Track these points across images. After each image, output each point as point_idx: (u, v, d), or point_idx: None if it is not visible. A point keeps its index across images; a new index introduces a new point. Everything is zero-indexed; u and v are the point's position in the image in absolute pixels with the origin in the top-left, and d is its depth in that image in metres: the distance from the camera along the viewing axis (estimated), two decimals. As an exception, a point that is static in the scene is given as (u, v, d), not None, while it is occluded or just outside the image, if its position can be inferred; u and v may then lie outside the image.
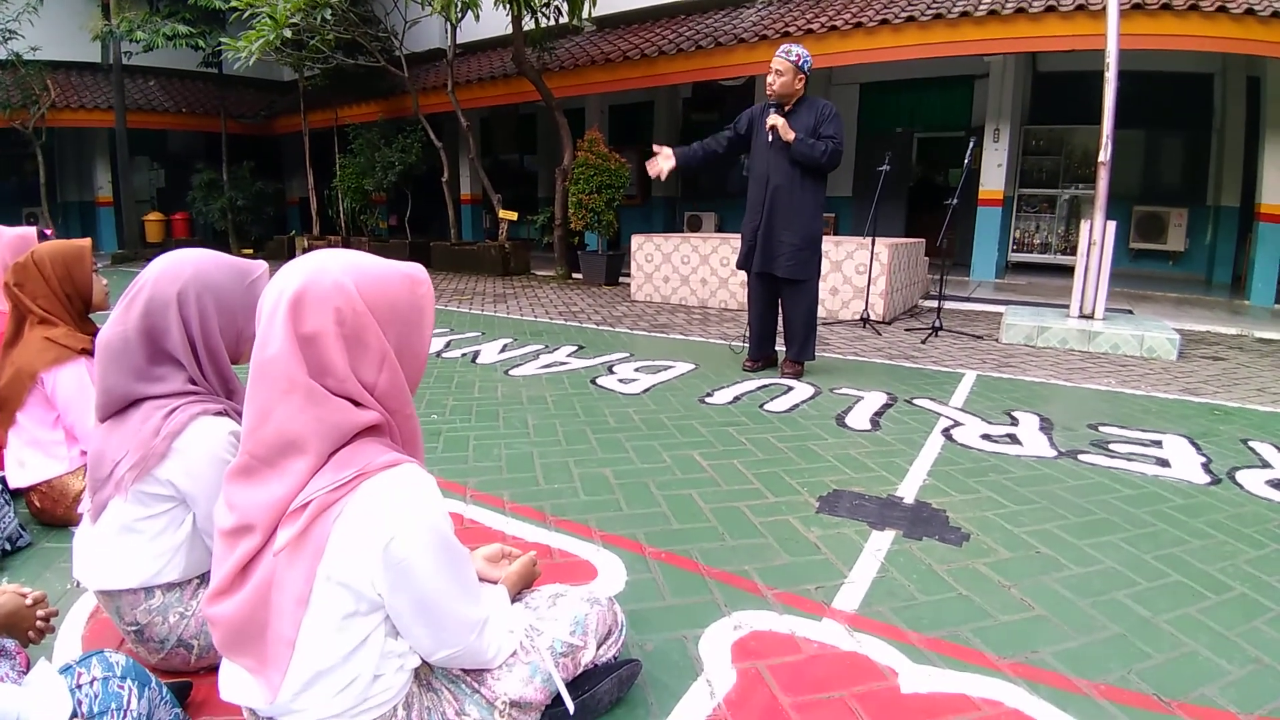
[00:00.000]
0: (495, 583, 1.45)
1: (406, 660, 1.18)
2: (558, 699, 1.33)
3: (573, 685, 1.38)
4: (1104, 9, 6.06)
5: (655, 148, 4.55)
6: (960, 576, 2.14)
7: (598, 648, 1.44)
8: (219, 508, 1.14)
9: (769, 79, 4.37)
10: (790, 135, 4.27)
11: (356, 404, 1.10)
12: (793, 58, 4.29)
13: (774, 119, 4.33)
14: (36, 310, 2.27)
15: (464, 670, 1.27)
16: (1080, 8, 7.54)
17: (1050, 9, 7.71)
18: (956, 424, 3.67)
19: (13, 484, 2.32)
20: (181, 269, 1.51)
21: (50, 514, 2.33)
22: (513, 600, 1.45)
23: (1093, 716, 1.54)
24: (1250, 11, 6.89)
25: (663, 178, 4.55)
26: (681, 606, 1.96)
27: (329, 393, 1.07)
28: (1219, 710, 1.57)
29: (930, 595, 2.04)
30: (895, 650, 1.77)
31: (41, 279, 2.26)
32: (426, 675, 1.25)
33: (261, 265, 1.63)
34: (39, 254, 2.25)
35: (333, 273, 1.08)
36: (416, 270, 1.17)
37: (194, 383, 1.54)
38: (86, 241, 2.37)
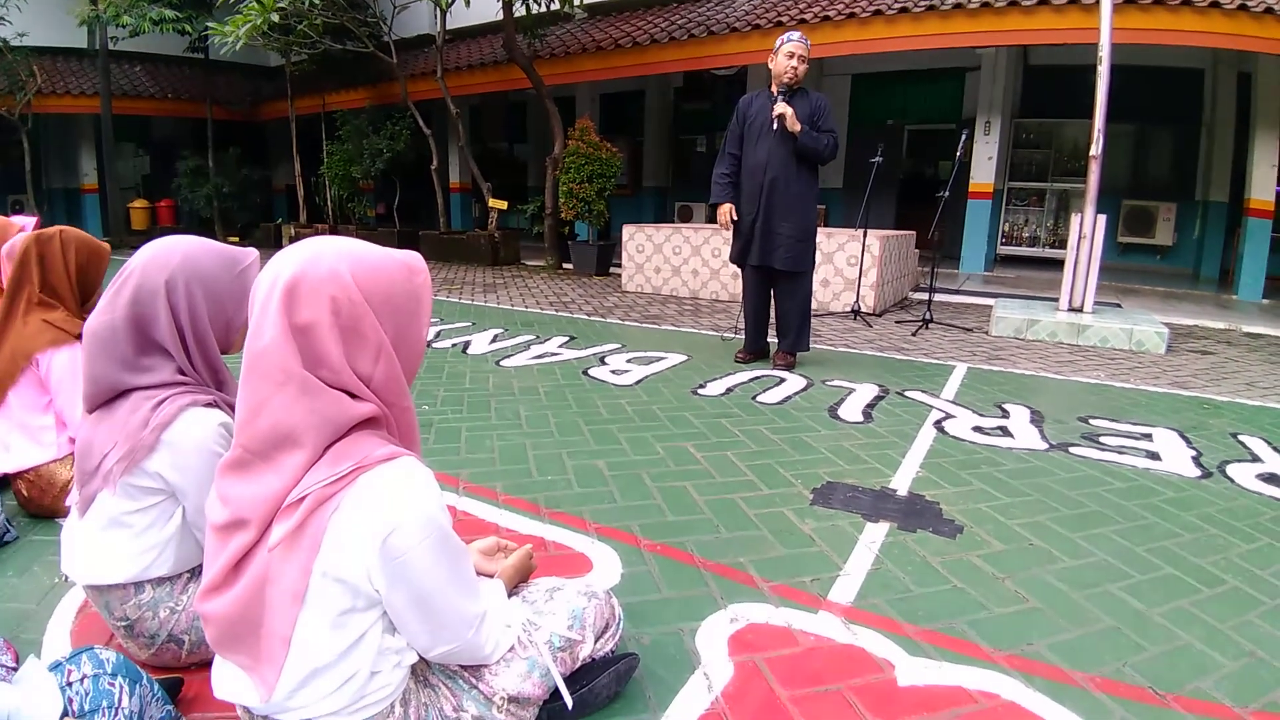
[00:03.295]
0: (491, 576, 1.43)
1: (404, 657, 1.16)
2: (556, 694, 1.32)
3: (571, 680, 1.37)
4: (1097, 3, 6.05)
5: (720, 214, 4.60)
6: (955, 569, 2.15)
7: (595, 641, 1.43)
8: (211, 502, 1.11)
9: (793, 63, 4.27)
10: (798, 126, 4.24)
11: (353, 396, 1.07)
12: (809, 44, 4.34)
13: (782, 107, 4.26)
14: (40, 284, 2.26)
15: (461, 666, 1.25)
16: (1073, 2, 7.53)
17: (1043, 2, 7.70)
18: (948, 416, 3.68)
19: None
20: (170, 257, 1.47)
21: (38, 504, 2.30)
22: (509, 594, 1.43)
23: (1089, 709, 1.55)
24: (1243, 7, 6.91)
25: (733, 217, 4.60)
26: (678, 599, 1.95)
27: (324, 385, 1.05)
28: (1214, 704, 1.58)
29: (925, 588, 2.04)
30: (891, 643, 1.77)
31: (62, 256, 2.27)
32: (423, 671, 1.24)
33: (252, 253, 1.59)
34: (69, 234, 2.29)
35: (328, 261, 1.05)
36: (414, 259, 1.15)
37: (183, 373, 1.51)
38: (108, 246, 2.43)
